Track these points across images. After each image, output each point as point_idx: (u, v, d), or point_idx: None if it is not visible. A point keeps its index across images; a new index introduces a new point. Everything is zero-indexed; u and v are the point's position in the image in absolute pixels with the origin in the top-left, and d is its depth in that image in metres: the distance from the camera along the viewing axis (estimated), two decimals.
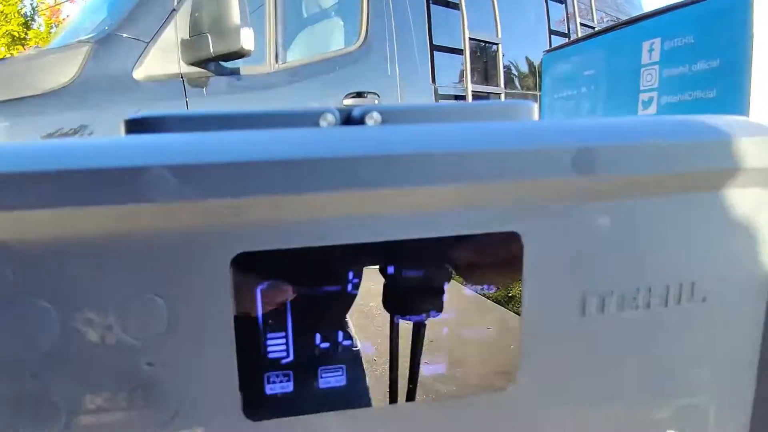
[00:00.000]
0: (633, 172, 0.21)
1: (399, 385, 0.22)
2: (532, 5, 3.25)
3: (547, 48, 2.09)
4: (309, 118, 0.23)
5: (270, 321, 0.20)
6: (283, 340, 0.20)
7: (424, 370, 0.22)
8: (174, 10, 2.10)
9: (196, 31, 2.07)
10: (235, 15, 1.95)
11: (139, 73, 2.03)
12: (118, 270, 0.18)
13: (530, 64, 3.25)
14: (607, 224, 0.22)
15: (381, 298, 0.21)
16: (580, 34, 3.15)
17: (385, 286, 0.21)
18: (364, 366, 0.22)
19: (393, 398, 0.22)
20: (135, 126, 0.22)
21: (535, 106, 0.27)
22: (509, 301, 0.22)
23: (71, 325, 0.18)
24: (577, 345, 0.23)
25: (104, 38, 2.03)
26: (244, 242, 0.19)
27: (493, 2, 2.91)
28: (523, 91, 3.23)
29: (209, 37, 2.02)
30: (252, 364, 0.20)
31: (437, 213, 0.20)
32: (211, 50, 2.02)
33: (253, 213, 0.18)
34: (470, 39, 2.79)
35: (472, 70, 2.99)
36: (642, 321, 0.24)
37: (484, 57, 3.09)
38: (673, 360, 0.24)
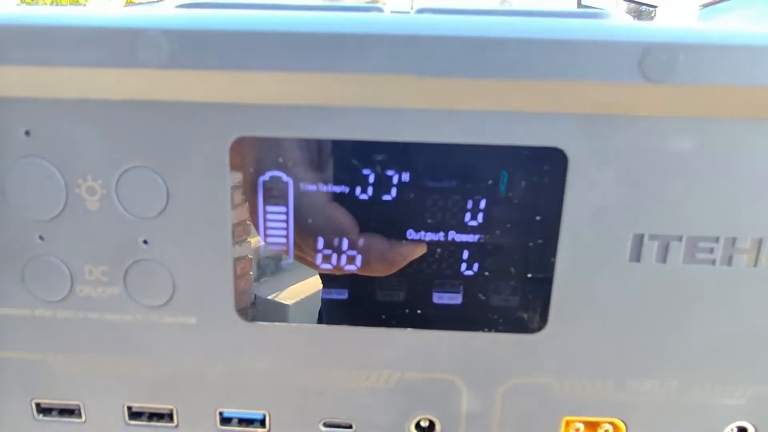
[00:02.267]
0: (722, 80, 0.16)
1: (406, 309, 0.20)
2: None
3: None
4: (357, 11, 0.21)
5: (271, 216, 0.19)
6: (284, 240, 0.20)
7: (439, 298, 0.20)
8: None
9: None
10: None
11: None
12: (122, 141, 0.18)
13: None
14: (684, 146, 0.18)
15: (389, 211, 0.19)
16: None
17: (396, 195, 0.19)
18: (372, 281, 0.20)
19: (399, 322, 0.20)
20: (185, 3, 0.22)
21: (630, 17, 0.23)
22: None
23: (75, 191, 0.18)
24: (623, 297, 0.19)
25: None
26: (246, 125, 0.18)
27: None
28: None
29: None
30: (249, 260, 0.19)
31: (464, 115, 0.17)
32: None
33: (259, 92, 0.17)
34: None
35: None
36: (718, 281, 0.19)
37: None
38: (755, 336, 0.19)
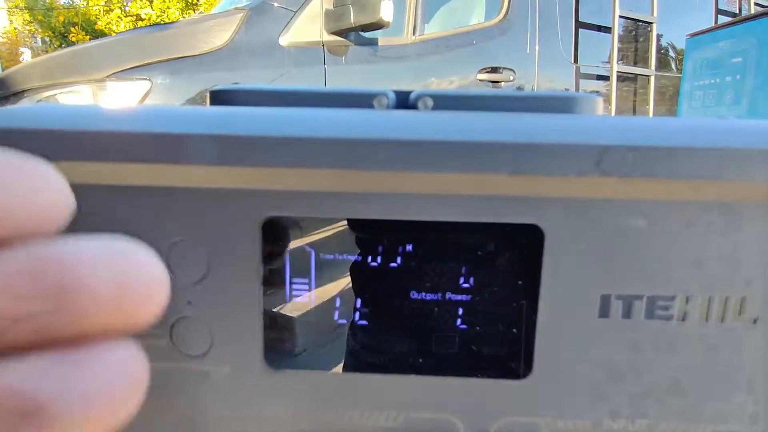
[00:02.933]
0: (667, 176, 0.20)
1: (411, 358, 0.23)
2: None
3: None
4: (365, 99, 0.25)
5: (295, 279, 0.23)
6: (306, 300, 0.23)
7: (437, 347, 0.23)
8: None
9: (339, 2, 2.15)
10: None
11: (284, 40, 2.17)
12: (172, 219, 0.21)
13: None
14: (639, 224, 0.21)
15: (397, 274, 0.22)
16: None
17: (401, 262, 0.22)
18: (380, 334, 0.23)
19: (405, 370, 0.23)
20: (215, 97, 0.26)
21: (600, 100, 0.26)
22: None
23: None
24: (596, 348, 0.22)
25: (257, 6, 2.18)
26: (275, 207, 0.21)
27: None
28: (679, 75, 2.94)
29: (351, 9, 2.10)
30: (276, 318, 0.23)
31: (460, 198, 0.21)
32: (352, 20, 2.10)
33: (286, 182, 0.21)
34: (620, 17, 2.58)
35: (621, 50, 2.78)
36: (676, 334, 0.22)
37: (635, 36, 2.85)
38: (710, 381, 0.22)
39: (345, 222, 0.22)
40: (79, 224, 0.21)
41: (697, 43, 1.12)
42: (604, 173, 0.20)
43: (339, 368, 0.23)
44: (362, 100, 0.25)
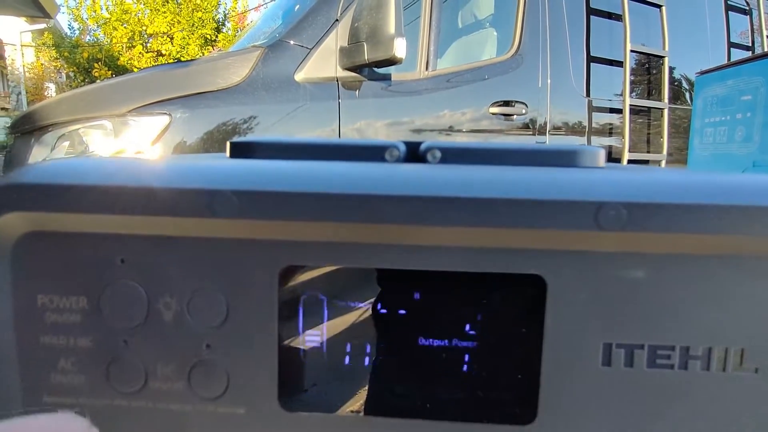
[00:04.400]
0: (663, 231, 0.20)
1: (418, 403, 0.24)
2: (710, 16, 2.94)
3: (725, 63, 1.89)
4: (378, 151, 0.26)
5: (309, 327, 0.24)
6: (319, 345, 0.24)
7: (444, 393, 0.24)
8: (337, 20, 2.26)
9: (354, 39, 2.21)
10: (391, 26, 2.05)
11: (299, 76, 2.22)
12: (194, 267, 0.22)
13: None
14: (638, 276, 0.22)
15: (405, 321, 0.23)
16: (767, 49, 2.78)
17: (409, 310, 0.23)
18: (389, 379, 0.24)
19: (412, 414, 0.23)
20: (234, 148, 0.27)
21: (602, 153, 0.27)
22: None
23: (155, 306, 0.23)
24: (600, 395, 0.23)
25: (274, 44, 2.25)
26: (292, 257, 0.22)
27: (661, 13, 2.68)
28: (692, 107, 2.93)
29: (365, 45, 2.15)
30: (290, 362, 0.24)
31: (466, 250, 0.22)
32: (366, 57, 2.14)
33: (302, 233, 0.22)
34: (632, 51, 2.61)
35: (633, 83, 2.80)
36: (678, 382, 0.22)
37: (647, 69, 2.87)
38: (710, 427, 0.23)
39: (357, 271, 0.23)
40: (112, 271, 0.22)
41: (707, 80, 1.13)
42: (602, 228, 0.20)
43: (349, 410, 0.24)
44: (375, 153, 0.26)
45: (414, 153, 0.27)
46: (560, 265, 0.22)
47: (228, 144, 0.28)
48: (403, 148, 0.27)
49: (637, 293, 0.22)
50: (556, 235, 0.21)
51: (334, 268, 0.23)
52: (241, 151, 0.27)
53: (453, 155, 0.26)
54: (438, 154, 0.26)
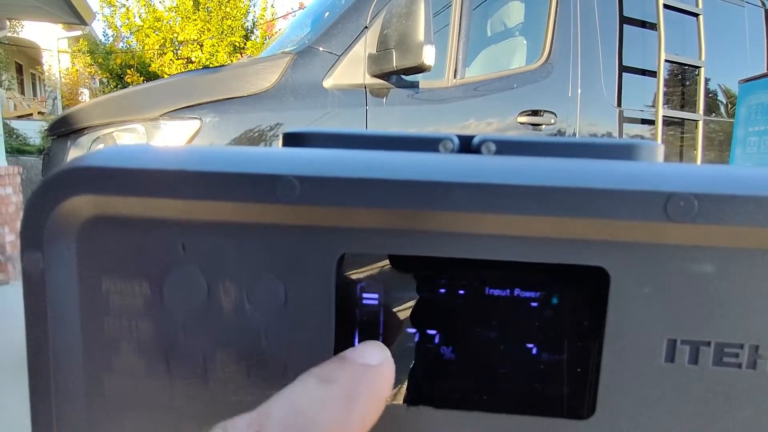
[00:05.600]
0: (734, 223, 0.19)
1: (475, 395, 0.23)
2: (750, 24, 2.88)
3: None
4: (431, 143, 0.25)
5: (365, 314, 0.23)
6: (376, 334, 0.23)
7: (501, 385, 0.23)
8: (366, 27, 2.27)
9: (382, 46, 2.22)
10: (420, 33, 2.05)
11: (328, 82, 2.23)
12: (254, 254, 0.22)
13: None
14: (706, 270, 0.21)
15: (464, 310, 0.23)
16: None
17: (468, 300, 0.22)
18: (445, 369, 0.23)
19: (468, 406, 0.23)
20: (288, 139, 0.27)
21: (661, 148, 0.26)
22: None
23: (214, 292, 0.23)
24: (661, 392, 0.22)
25: (303, 50, 2.27)
26: (350, 244, 0.22)
27: (698, 22, 2.63)
28: (730, 119, 2.87)
29: (394, 53, 2.15)
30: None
31: (528, 240, 0.21)
32: (394, 64, 2.15)
33: (361, 220, 0.21)
34: (666, 61, 2.56)
35: (667, 94, 2.75)
36: (745, 382, 0.21)
37: (682, 81, 2.82)
38: None
39: (416, 259, 0.22)
40: (174, 256, 0.22)
41: (751, 88, 1.10)
42: (671, 219, 0.19)
43: (402, 400, 0.23)
44: (428, 144, 0.26)
45: (467, 146, 0.27)
46: (625, 257, 0.21)
47: (282, 135, 0.27)
48: (456, 140, 0.26)
49: (704, 288, 0.21)
50: (622, 226, 0.20)
51: (392, 255, 0.23)
52: (295, 141, 0.27)
53: (508, 147, 0.25)
54: (492, 146, 0.25)
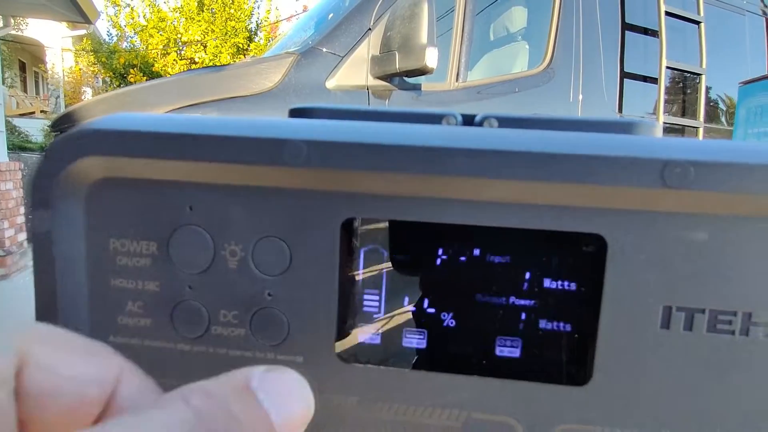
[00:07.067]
0: (729, 191, 0.20)
1: (474, 360, 0.24)
2: (750, 33, 2.89)
3: None
4: (435, 118, 0.26)
5: (368, 280, 0.24)
6: (377, 298, 0.24)
7: (500, 351, 0.23)
8: (369, 29, 2.28)
9: (385, 48, 2.22)
10: (423, 35, 2.06)
11: (331, 83, 2.24)
12: (260, 216, 0.23)
13: None
14: (700, 237, 0.21)
15: (464, 276, 0.23)
16: None
17: (468, 266, 0.23)
18: (445, 334, 0.24)
19: (468, 371, 0.23)
20: (294, 113, 0.27)
21: (659, 125, 0.27)
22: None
23: (220, 252, 0.24)
24: (657, 358, 0.22)
25: (307, 51, 2.28)
26: (354, 209, 0.23)
27: (699, 30, 2.65)
28: (730, 128, 2.88)
29: (397, 55, 2.16)
30: (349, 313, 0.24)
31: (528, 207, 0.22)
32: (397, 66, 2.16)
33: (366, 185, 0.22)
34: (667, 68, 2.57)
35: (668, 101, 2.76)
36: (738, 349, 0.22)
37: (683, 87, 2.83)
38: None
39: (417, 225, 0.23)
40: (181, 217, 0.23)
41: (751, 90, 1.11)
42: (667, 186, 0.20)
43: (405, 365, 0.24)
44: (432, 119, 0.26)
45: (470, 122, 0.27)
46: (622, 224, 0.22)
47: (288, 111, 0.28)
48: (459, 117, 0.27)
49: (699, 256, 0.21)
50: (619, 192, 0.20)
51: (394, 221, 0.23)
52: (301, 115, 0.27)
53: (510, 123, 0.26)
54: (495, 122, 0.26)
